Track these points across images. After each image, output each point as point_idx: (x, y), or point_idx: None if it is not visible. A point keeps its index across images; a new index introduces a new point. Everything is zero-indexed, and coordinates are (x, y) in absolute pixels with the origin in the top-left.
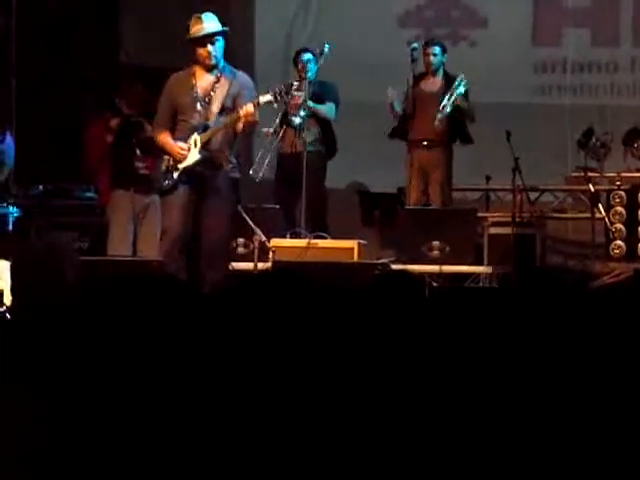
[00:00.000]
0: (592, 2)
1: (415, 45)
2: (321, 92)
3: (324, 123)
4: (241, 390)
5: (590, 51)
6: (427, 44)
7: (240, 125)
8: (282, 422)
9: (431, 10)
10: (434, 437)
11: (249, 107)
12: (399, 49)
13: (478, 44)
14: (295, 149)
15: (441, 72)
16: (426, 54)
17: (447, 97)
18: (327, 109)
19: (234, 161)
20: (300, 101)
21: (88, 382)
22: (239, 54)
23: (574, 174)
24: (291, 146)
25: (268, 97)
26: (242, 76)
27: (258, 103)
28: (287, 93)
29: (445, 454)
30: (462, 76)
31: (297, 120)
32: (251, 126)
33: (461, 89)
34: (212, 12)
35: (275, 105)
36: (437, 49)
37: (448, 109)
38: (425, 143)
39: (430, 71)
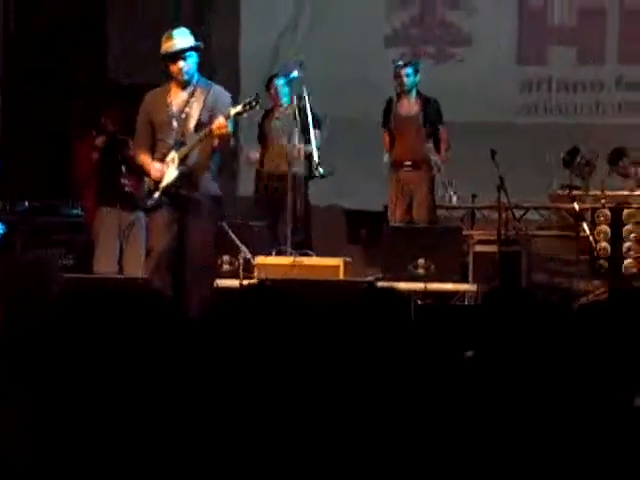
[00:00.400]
0: (577, 21)
1: (400, 63)
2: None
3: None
4: (228, 407)
5: (575, 70)
6: (401, 65)
7: (215, 140)
8: (271, 437)
9: (417, 29)
10: (417, 453)
11: (221, 120)
12: (386, 67)
13: (464, 62)
14: (280, 167)
15: (414, 93)
16: (399, 75)
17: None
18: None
19: (214, 177)
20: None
21: (71, 397)
22: (224, 70)
23: (559, 192)
24: (277, 164)
25: (238, 108)
26: (218, 89)
27: (229, 115)
28: (257, 103)
29: (428, 468)
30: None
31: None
32: (225, 140)
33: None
34: (190, 27)
35: (245, 115)
36: (409, 70)
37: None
38: (408, 163)
39: (403, 92)
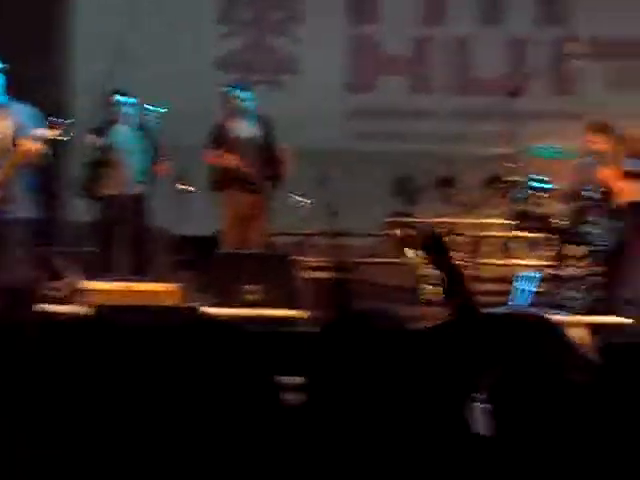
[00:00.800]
0: (409, 50)
1: (228, 89)
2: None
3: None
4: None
5: (406, 98)
6: (238, 89)
7: (22, 161)
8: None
9: (247, 55)
10: None
11: (26, 141)
12: (215, 94)
13: (295, 90)
14: (118, 190)
15: (254, 116)
16: (235, 98)
17: None
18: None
19: (26, 199)
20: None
21: None
22: (56, 92)
23: (389, 219)
24: (115, 187)
25: (44, 131)
26: (24, 109)
27: (35, 136)
28: (67, 129)
29: None
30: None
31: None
32: (32, 158)
33: None
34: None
35: (49, 135)
36: (247, 94)
37: None
38: (244, 187)
39: (240, 115)
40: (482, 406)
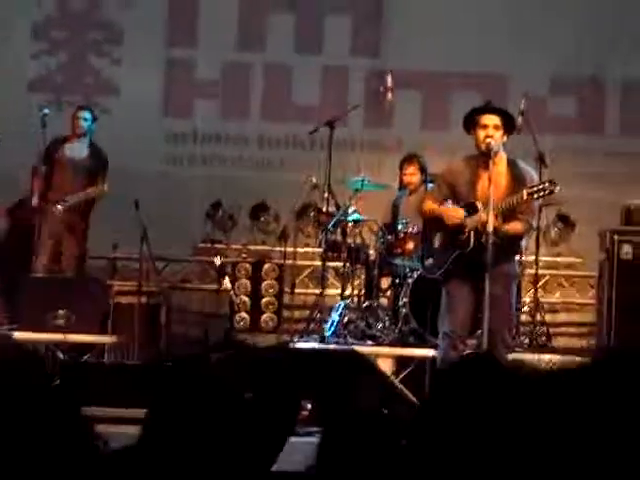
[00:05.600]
0: (222, 75)
1: (46, 111)
2: None
3: None
4: None
5: (219, 123)
6: (79, 108)
7: None
8: None
9: (62, 75)
10: None
11: None
12: (30, 115)
13: (111, 112)
14: None
15: (88, 138)
16: (76, 118)
17: None
18: None
19: None
20: None
21: None
22: None
23: (201, 245)
24: None
25: None
26: None
27: None
28: None
29: None
30: None
31: None
32: None
33: None
34: None
35: None
36: (87, 114)
37: None
38: (60, 210)
39: (77, 135)
40: (302, 440)
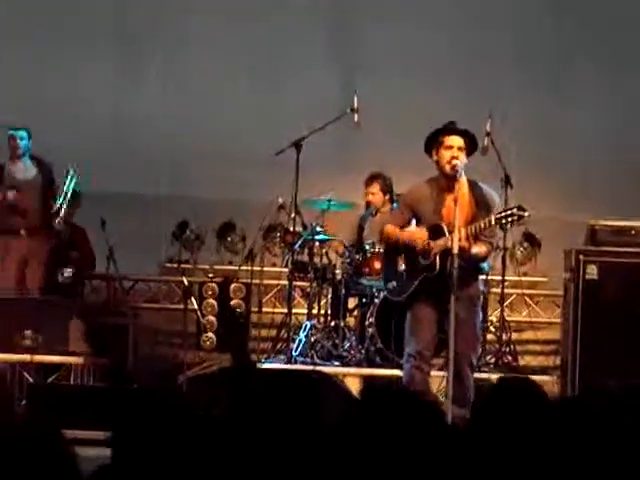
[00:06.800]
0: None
1: (10, 130)
2: None
3: None
4: None
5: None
6: (13, 129)
7: None
8: None
9: None
10: None
11: None
12: None
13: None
14: None
15: (28, 156)
16: (12, 138)
17: (61, 197)
18: None
19: None
20: None
21: None
22: None
23: (168, 265)
24: None
25: None
26: None
27: None
28: None
29: None
30: (72, 170)
31: None
32: None
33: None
34: None
35: None
36: (23, 133)
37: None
38: (22, 232)
39: (16, 155)
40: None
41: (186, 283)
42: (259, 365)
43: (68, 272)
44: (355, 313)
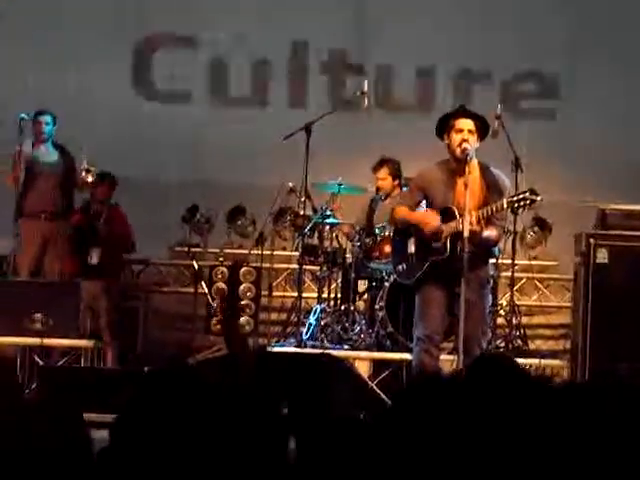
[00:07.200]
0: None
1: (23, 115)
2: None
3: None
4: None
5: None
6: (39, 113)
7: None
8: None
9: None
10: None
11: None
12: None
13: None
14: None
15: (51, 142)
16: (38, 123)
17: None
18: None
19: None
20: None
21: None
22: None
23: (178, 249)
24: None
25: None
26: None
27: None
28: None
29: None
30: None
31: None
32: None
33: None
34: None
35: None
36: (48, 118)
37: None
38: (44, 216)
39: (40, 140)
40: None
41: (196, 267)
42: (269, 348)
43: (96, 252)
44: (365, 297)
